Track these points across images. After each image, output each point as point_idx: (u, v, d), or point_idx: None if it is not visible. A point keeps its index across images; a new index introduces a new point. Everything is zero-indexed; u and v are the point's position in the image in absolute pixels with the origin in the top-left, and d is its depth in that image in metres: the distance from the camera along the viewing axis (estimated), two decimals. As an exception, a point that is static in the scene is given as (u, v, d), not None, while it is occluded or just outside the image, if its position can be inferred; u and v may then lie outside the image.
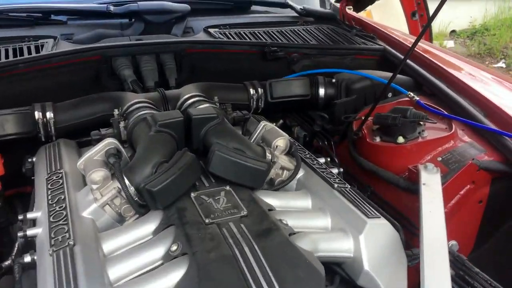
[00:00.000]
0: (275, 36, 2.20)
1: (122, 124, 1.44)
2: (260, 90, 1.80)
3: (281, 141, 1.41)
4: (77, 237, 1.07)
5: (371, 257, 1.13)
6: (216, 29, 2.19)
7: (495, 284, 1.15)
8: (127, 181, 1.18)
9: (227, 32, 2.17)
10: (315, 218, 1.24)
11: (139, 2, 2.10)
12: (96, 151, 1.26)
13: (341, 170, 1.51)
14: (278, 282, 0.94)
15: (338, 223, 1.22)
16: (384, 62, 2.13)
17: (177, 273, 0.98)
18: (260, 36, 2.18)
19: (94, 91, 1.65)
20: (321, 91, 1.88)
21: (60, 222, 1.12)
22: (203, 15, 2.37)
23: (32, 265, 1.08)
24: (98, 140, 1.33)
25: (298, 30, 2.34)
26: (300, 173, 1.40)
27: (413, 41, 1.49)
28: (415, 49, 1.62)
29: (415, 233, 1.31)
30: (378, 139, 1.66)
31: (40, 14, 2.11)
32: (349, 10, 2.64)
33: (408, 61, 1.96)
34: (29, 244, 1.16)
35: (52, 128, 1.52)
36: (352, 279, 1.16)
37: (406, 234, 1.22)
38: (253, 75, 1.87)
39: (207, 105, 1.51)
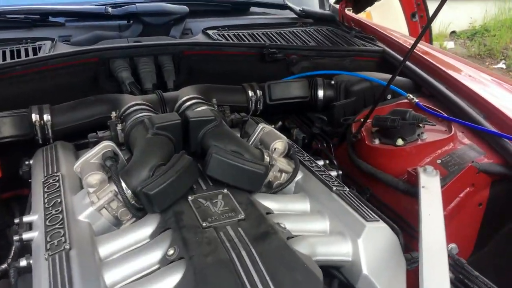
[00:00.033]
0: (273, 38, 2.19)
1: (119, 126, 1.43)
2: (258, 92, 1.80)
3: (280, 143, 1.40)
4: (73, 241, 1.06)
5: (369, 261, 1.12)
6: (215, 31, 2.18)
7: (495, 288, 1.15)
8: (124, 184, 1.17)
9: (225, 34, 2.17)
10: (314, 222, 1.24)
11: (137, 4, 2.09)
12: (93, 154, 1.26)
13: (340, 172, 1.50)
14: (275, 287, 0.93)
15: (337, 227, 1.21)
16: (383, 64, 2.13)
17: (174, 278, 0.97)
18: (259, 38, 2.17)
19: (92, 93, 1.65)
20: (320, 93, 1.87)
21: (56, 226, 1.11)
22: (202, 16, 2.36)
23: (28, 269, 1.07)
24: (95, 143, 1.33)
25: (297, 31, 2.33)
26: (299, 176, 1.39)
27: (413, 42, 1.49)
28: (415, 50, 1.62)
29: (414, 236, 1.31)
30: (377, 141, 1.65)
31: (38, 16, 2.10)
32: (349, 12, 2.64)
33: (407, 62, 1.95)
34: (26, 248, 1.15)
35: (50, 130, 1.52)
36: (350, 283, 1.15)
37: (405, 237, 1.21)
38: (251, 77, 1.87)
39: (205, 107, 1.51)
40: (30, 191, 1.36)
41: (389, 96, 1.86)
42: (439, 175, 1.40)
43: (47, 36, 1.98)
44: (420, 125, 1.62)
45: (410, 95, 1.80)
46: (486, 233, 1.55)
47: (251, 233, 1.07)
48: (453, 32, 8.67)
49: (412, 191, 1.43)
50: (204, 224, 1.09)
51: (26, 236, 1.14)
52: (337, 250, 1.15)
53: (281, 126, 2.01)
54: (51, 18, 2.15)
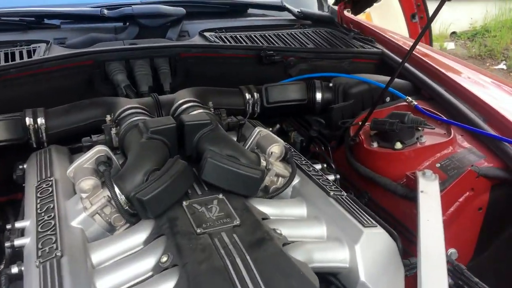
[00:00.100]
0: (271, 40, 2.18)
1: (113, 130, 1.41)
2: (256, 95, 1.78)
3: (276, 147, 1.38)
4: (65, 248, 1.04)
5: (367, 267, 1.11)
6: (212, 33, 2.17)
7: (494, 294, 1.13)
8: (117, 190, 1.15)
9: (223, 36, 2.15)
10: (310, 227, 1.22)
11: (133, 6, 2.08)
12: (86, 159, 1.24)
13: (338, 176, 1.48)
14: (270, 294, 0.91)
15: (334, 232, 1.19)
16: (382, 66, 2.11)
17: (167, 285, 0.96)
18: (257, 40, 2.15)
19: (87, 96, 1.63)
20: (318, 96, 1.86)
21: (48, 232, 1.09)
22: (199, 18, 2.34)
23: (20, 276, 1.05)
24: (89, 147, 1.31)
25: (295, 33, 2.31)
26: (296, 180, 1.37)
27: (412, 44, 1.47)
28: (414, 52, 1.60)
29: (413, 241, 1.29)
30: (375, 144, 1.63)
31: (33, 18, 2.09)
32: (348, 13, 2.62)
33: (406, 65, 1.94)
34: (18, 254, 1.14)
35: (44, 134, 1.50)
36: (348, 290, 1.13)
37: (404, 241, 1.20)
38: (249, 80, 1.85)
39: (200, 111, 1.49)
40: (23, 196, 1.35)
41: (387, 99, 1.84)
42: (438, 179, 1.38)
43: (42, 39, 1.97)
44: (419, 128, 1.61)
45: (409, 98, 1.79)
46: (486, 237, 1.53)
47: (246, 239, 1.05)
48: (454, 32, 8.66)
49: (410, 195, 1.41)
50: (198, 230, 1.07)
51: (17, 242, 1.12)
52: (334, 257, 1.13)
53: (279, 129, 1.99)
54: (46, 21, 2.14)
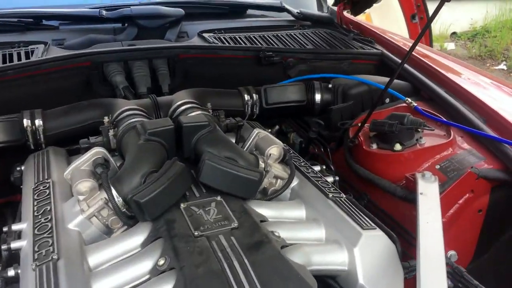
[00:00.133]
0: (271, 41, 2.17)
1: (111, 132, 1.41)
2: (255, 96, 1.77)
3: (275, 149, 1.37)
4: (62, 251, 1.03)
5: (366, 270, 1.10)
6: (211, 34, 2.16)
7: (494, 297, 1.12)
8: (114, 192, 1.15)
9: (222, 37, 2.15)
10: (309, 230, 1.21)
11: (132, 7, 2.07)
12: (84, 161, 1.24)
13: (337, 178, 1.48)
14: (267, 298, 0.91)
15: (333, 235, 1.18)
16: (382, 67, 2.10)
17: (164, 289, 0.95)
18: (256, 41, 2.15)
19: (85, 98, 1.62)
20: (317, 97, 1.85)
21: (45, 235, 1.09)
22: (198, 19, 2.34)
23: (16, 279, 1.05)
24: (87, 149, 1.31)
25: (294, 34, 2.31)
26: (294, 182, 1.37)
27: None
28: (413, 53, 1.60)
29: (412, 243, 1.28)
30: (374, 146, 1.62)
31: (32, 19, 2.08)
32: (347, 14, 2.61)
33: (406, 65, 1.93)
34: (16, 257, 1.13)
35: (41, 135, 1.50)
36: (346, 293, 1.12)
37: (403, 243, 1.19)
38: (248, 81, 1.84)
39: (198, 112, 1.48)
40: (21, 198, 1.34)
41: (387, 100, 1.83)
42: (438, 181, 1.37)
43: (40, 40, 1.96)
44: (419, 129, 1.60)
45: (409, 99, 1.78)
46: (486, 239, 1.52)
47: (244, 242, 1.05)
48: (454, 33, 8.66)
49: (410, 197, 1.41)
50: (196, 233, 1.06)
51: (14, 245, 1.11)
52: (333, 259, 1.12)
53: (278, 130, 1.98)
54: (44, 22, 2.13)
